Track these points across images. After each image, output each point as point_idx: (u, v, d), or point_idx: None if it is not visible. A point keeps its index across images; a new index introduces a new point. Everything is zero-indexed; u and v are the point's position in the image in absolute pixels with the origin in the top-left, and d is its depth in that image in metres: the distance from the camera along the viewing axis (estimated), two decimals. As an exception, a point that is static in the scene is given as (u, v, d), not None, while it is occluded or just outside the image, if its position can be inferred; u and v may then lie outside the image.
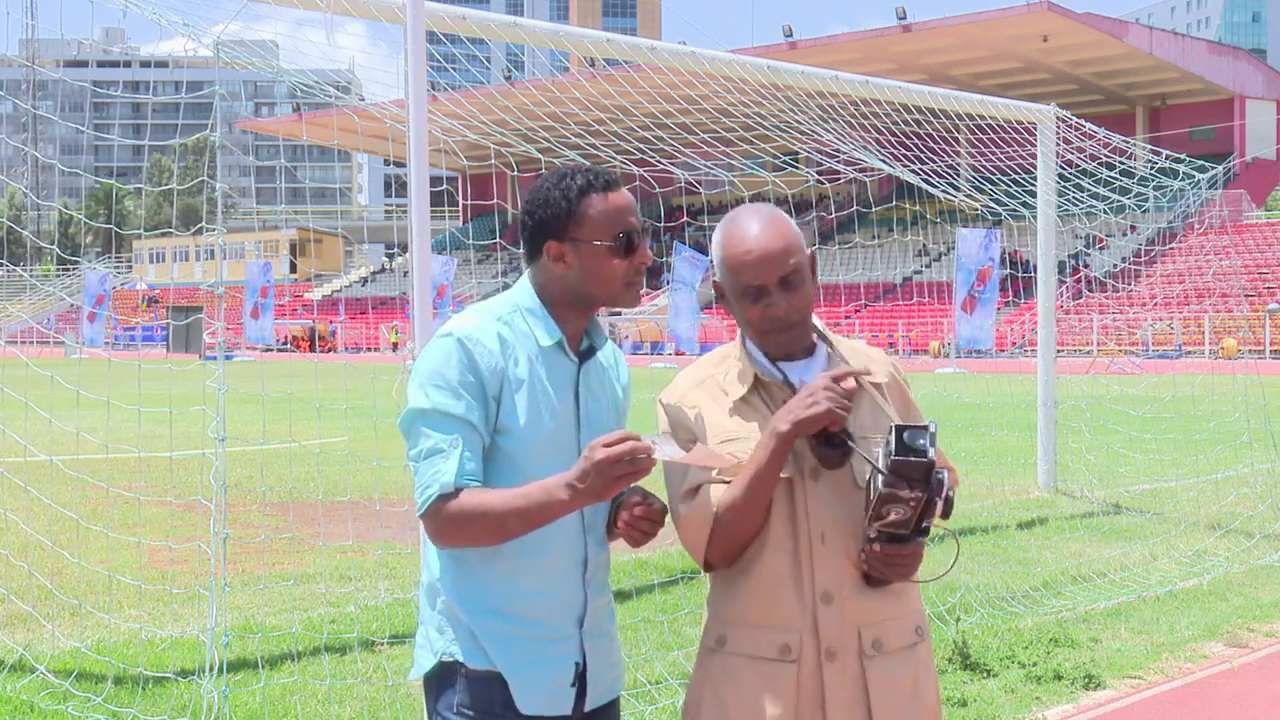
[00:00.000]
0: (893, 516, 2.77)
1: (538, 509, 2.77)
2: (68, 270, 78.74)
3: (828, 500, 2.92)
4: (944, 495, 2.78)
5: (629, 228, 2.98)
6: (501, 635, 2.90)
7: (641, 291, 3.10)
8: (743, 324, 3.03)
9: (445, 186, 8.11)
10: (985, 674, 6.97)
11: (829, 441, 2.89)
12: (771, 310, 2.96)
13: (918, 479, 2.75)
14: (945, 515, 2.82)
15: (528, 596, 2.92)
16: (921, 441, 2.75)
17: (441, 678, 2.94)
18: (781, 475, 2.90)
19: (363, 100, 11.51)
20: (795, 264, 2.96)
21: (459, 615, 2.92)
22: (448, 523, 2.81)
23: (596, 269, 2.96)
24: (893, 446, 2.76)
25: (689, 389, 3.10)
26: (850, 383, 2.84)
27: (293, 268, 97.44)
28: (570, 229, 2.95)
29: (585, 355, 3.05)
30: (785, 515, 2.93)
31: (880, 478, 2.78)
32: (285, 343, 68.84)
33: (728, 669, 2.98)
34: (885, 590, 2.95)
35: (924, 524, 2.80)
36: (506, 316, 2.96)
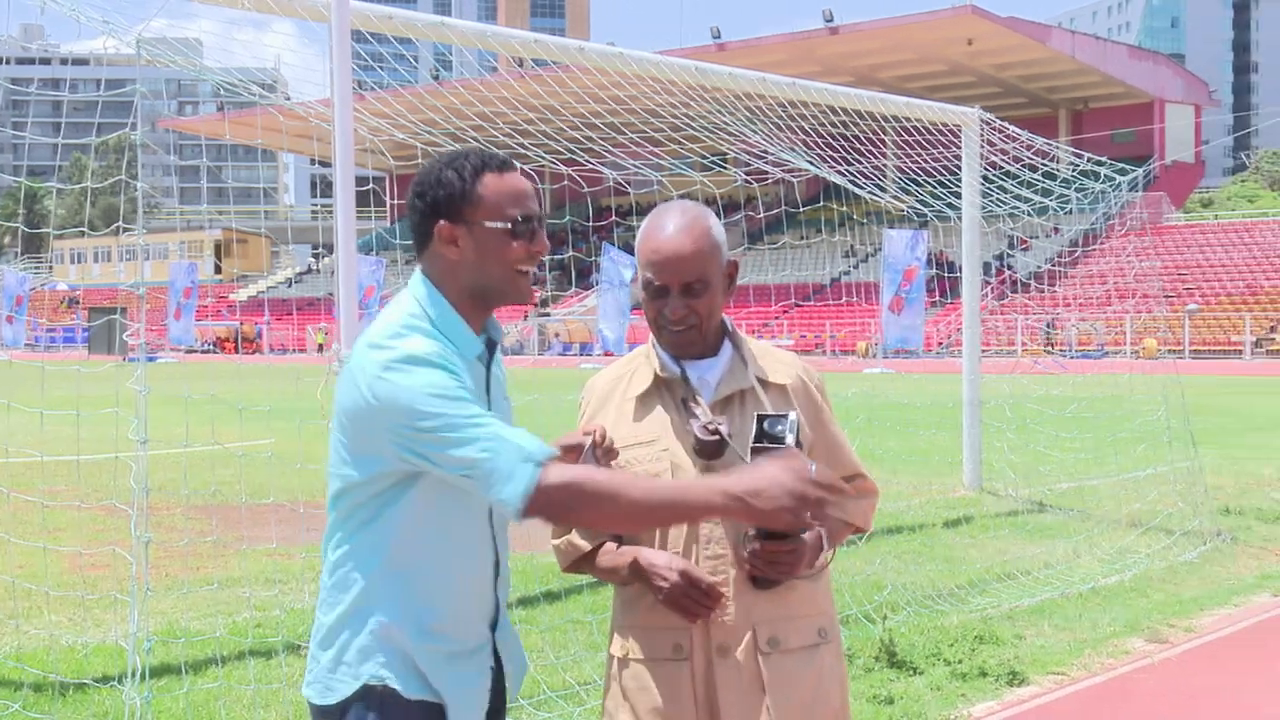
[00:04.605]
0: None
1: (681, 509, 2.66)
2: (-16, 271, 77.20)
3: None
4: None
5: (528, 211, 2.84)
6: (437, 657, 2.78)
7: (534, 285, 2.94)
8: (646, 317, 3.06)
9: (372, 186, 8.04)
10: (911, 672, 7.02)
11: (705, 431, 2.94)
12: (668, 311, 2.99)
13: None
14: None
15: (454, 610, 2.83)
16: (780, 428, 2.82)
17: (358, 701, 2.77)
18: (664, 473, 2.97)
19: (288, 99, 11.39)
20: (701, 271, 2.98)
21: (397, 639, 2.76)
22: (571, 497, 2.57)
23: (491, 254, 2.81)
24: (752, 436, 2.80)
25: (601, 399, 3.17)
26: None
27: (217, 269, 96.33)
28: (465, 210, 2.80)
29: (489, 352, 2.95)
30: None
31: None
32: (211, 345, 68.05)
33: (633, 675, 3.03)
34: (783, 588, 2.96)
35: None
36: (432, 332, 2.77)
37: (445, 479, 2.68)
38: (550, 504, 2.58)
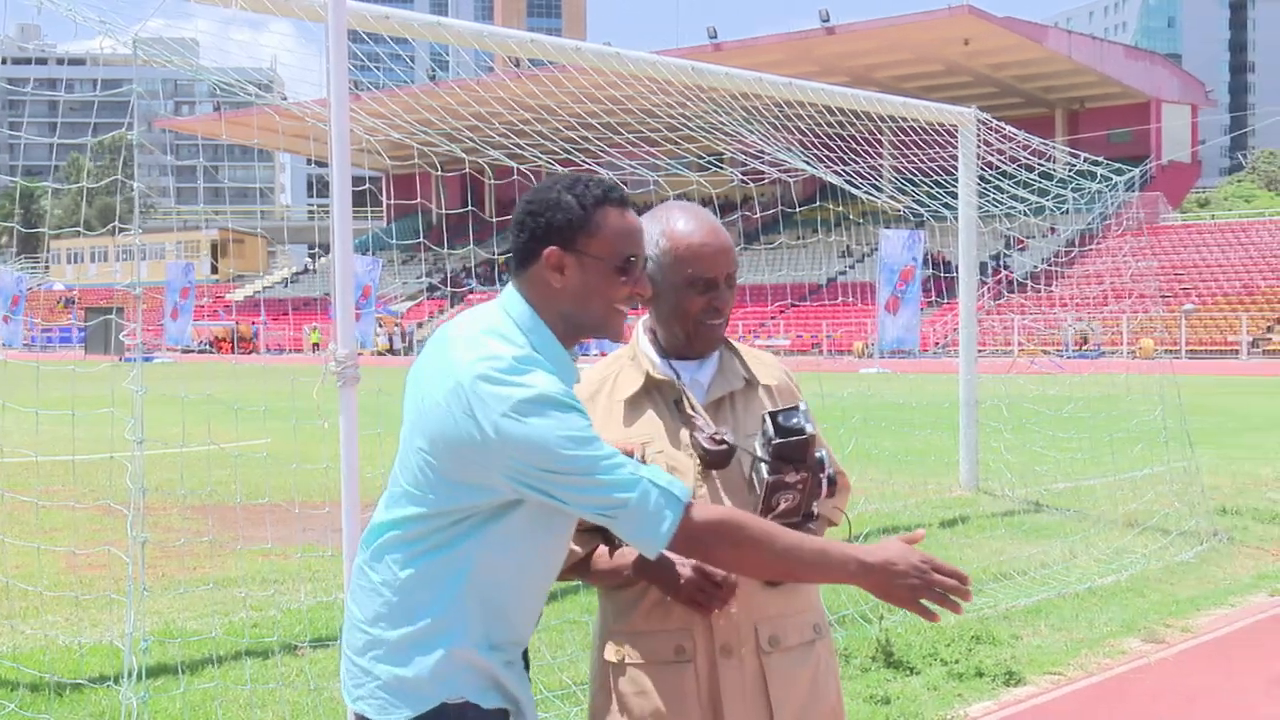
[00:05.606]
0: (782, 505, 2.81)
1: (818, 569, 2.70)
2: (-19, 271, 77.06)
3: (717, 499, 2.94)
4: (826, 473, 2.84)
5: (639, 252, 2.79)
6: (503, 665, 2.80)
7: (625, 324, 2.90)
8: (677, 315, 3.03)
9: (368, 186, 8.04)
10: (908, 672, 7.02)
11: (714, 441, 2.93)
12: (716, 303, 3.01)
13: (800, 458, 2.80)
14: (831, 494, 2.89)
15: (521, 625, 2.87)
16: (796, 420, 2.83)
17: (434, 718, 2.75)
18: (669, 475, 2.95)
19: (285, 99, 11.39)
20: (736, 261, 3.06)
21: (471, 658, 2.73)
22: (718, 536, 2.63)
23: (596, 288, 2.75)
24: (771, 432, 2.80)
25: (585, 403, 3.09)
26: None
27: (214, 269, 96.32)
28: (579, 239, 2.72)
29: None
30: None
31: (765, 466, 2.81)
32: (207, 345, 68.01)
33: (629, 678, 3.00)
34: (781, 586, 2.97)
35: (812, 507, 2.84)
36: (550, 366, 2.69)
37: (553, 507, 2.68)
38: (694, 541, 2.64)
